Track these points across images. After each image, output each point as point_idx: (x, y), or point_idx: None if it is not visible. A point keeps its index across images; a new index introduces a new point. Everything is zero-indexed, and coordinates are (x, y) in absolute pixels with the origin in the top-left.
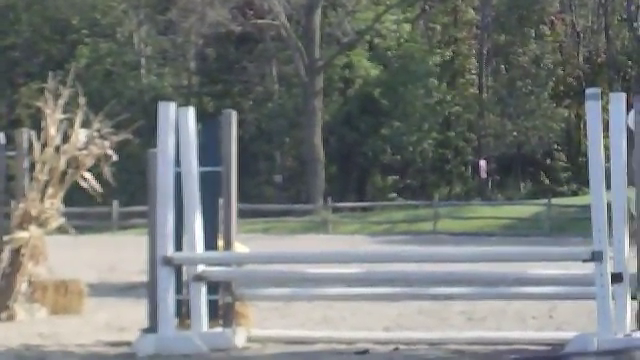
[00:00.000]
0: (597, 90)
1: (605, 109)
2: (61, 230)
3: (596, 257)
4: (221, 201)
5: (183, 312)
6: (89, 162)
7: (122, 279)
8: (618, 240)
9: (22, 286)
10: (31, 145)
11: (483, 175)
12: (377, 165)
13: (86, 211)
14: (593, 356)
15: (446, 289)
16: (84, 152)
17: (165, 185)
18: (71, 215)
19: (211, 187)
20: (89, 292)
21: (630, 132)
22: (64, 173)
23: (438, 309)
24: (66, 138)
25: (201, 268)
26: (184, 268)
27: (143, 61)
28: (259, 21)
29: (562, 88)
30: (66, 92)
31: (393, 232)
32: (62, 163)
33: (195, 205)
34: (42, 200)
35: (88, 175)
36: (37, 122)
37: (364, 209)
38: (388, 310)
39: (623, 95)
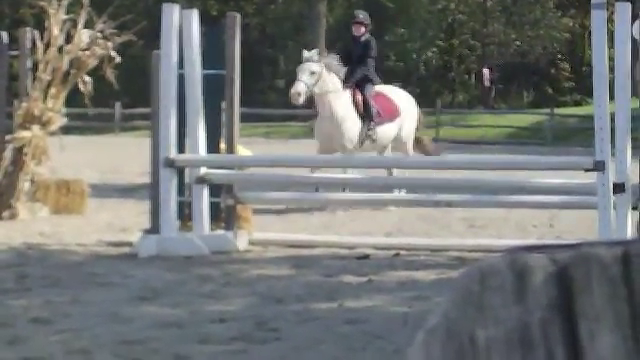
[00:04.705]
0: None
1: (610, 19)
2: (63, 131)
3: (598, 167)
4: (224, 104)
5: (185, 214)
6: (92, 63)
7: (124, 180)
8: (620, 150)
9: (24, 185)
10: (34, 45)
11: (486, 83)
12: (380, 71)
13: (88, 112)
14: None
15: (448, 196)
16: (87, 53)
17: (168, 87)
18: (73, 116)
19: (214, 90)
20: (91, 193)
21: (635, 42)
22: (67, 73)
23: (439, 216)
24: (69, 38)
25: (203, 170)
26: (186, 170)
27: None
28: None
29: None
30: None
31: None
32: (65, 63)
33: (198, 108)
34: (45, 100)
35: (88, 79)
36: (40, 22)
37: None
38: (389, 216)
39: (629, 5)
